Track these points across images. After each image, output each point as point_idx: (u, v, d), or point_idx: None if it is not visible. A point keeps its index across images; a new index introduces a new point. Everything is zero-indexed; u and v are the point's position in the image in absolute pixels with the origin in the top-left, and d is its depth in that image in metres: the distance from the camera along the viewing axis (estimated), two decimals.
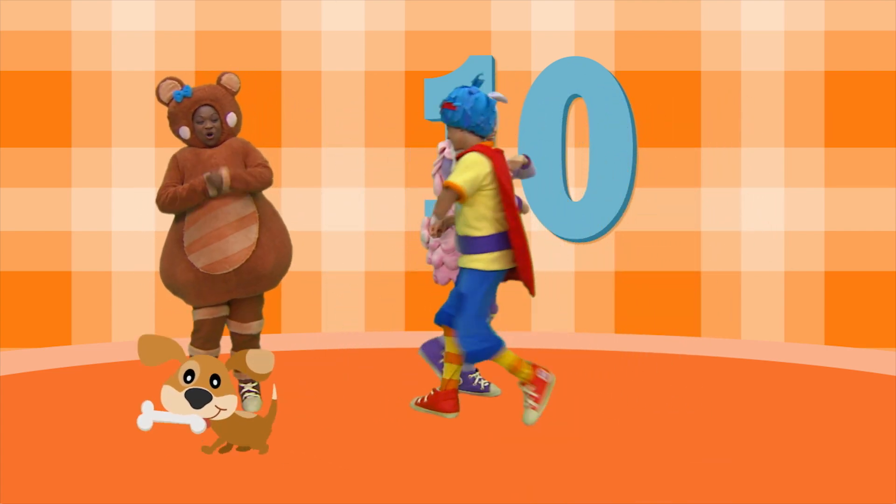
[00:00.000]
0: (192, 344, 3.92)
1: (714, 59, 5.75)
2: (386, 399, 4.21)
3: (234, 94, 3.91)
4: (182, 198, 3.76)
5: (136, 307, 5.69)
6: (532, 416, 3.68)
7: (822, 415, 3.95)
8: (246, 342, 3.97)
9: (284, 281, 5.71)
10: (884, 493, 3.02)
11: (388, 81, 5.85)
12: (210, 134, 3.81)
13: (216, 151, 3.82)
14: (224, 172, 3.72)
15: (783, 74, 5.72)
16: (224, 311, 3.92)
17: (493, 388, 4.20)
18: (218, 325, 3.92)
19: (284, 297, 5.72)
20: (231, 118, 3.87)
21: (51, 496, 3.00)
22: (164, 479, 3.16)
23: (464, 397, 4.16)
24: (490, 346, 3.65)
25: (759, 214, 5.75)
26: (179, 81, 3.83)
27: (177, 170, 3.86)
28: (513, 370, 3.68)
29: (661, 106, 5.75)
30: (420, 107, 5.76)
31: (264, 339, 4.48)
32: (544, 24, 5.81)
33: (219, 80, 3.89)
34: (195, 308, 3.89)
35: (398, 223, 5.84)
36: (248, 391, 4.01)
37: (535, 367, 3.69)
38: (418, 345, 4.25)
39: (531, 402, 3.68)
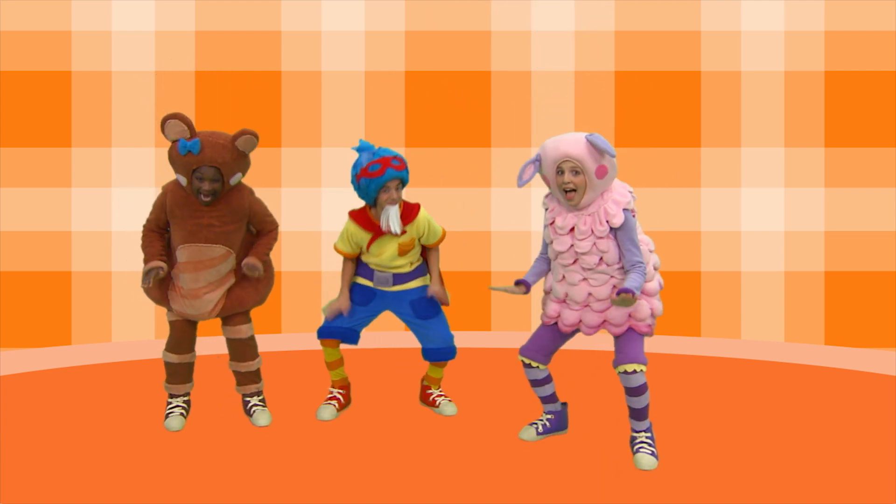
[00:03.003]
0: (165, 348, 3.79)
1: (714, 59, 5.75)
2: (385, 399, 4.20)
3: (245, 153, 3.60)
4: (144, 261, 3.67)
5: (136, 307, 5.68)
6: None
7: (822, 415, 3.95)
8: (240, 346, 3.84)
9: (284, 281, 5.74)
10: (884, 493, 3.02)
11: (388, 81, 5.85)
12: (207, 196, 3.55)
13: (210, 211, 3.59)
14: (259, 266, 3.66)
15: (783, 74, 5.73)
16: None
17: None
18: (189, 328, 3.77)
19: (284, 297, 5.73)
20: (235, 179, 3.61)
21: (51, 496, 3.00)
22: (163, 479, 3.16)
23: (456, 399, 4.16)
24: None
25: (759, 214, 5.75)
26: (189, 126, 3.48)
27: (162, 210, 3.65)
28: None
29: (661, 106, 5.75)
30: (419, 106, 5.77)
31: (265, 340, 4.49)
32: (544, 24, 5.81)
33: (235, 138, 3.53)
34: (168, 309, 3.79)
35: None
36: (255, 405, 3.88)
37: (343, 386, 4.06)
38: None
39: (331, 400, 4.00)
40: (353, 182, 3.72)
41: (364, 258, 3.90)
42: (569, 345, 3.70)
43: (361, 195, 3.73)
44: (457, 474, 3.21)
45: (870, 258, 5.66)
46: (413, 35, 5.80)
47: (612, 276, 3.23)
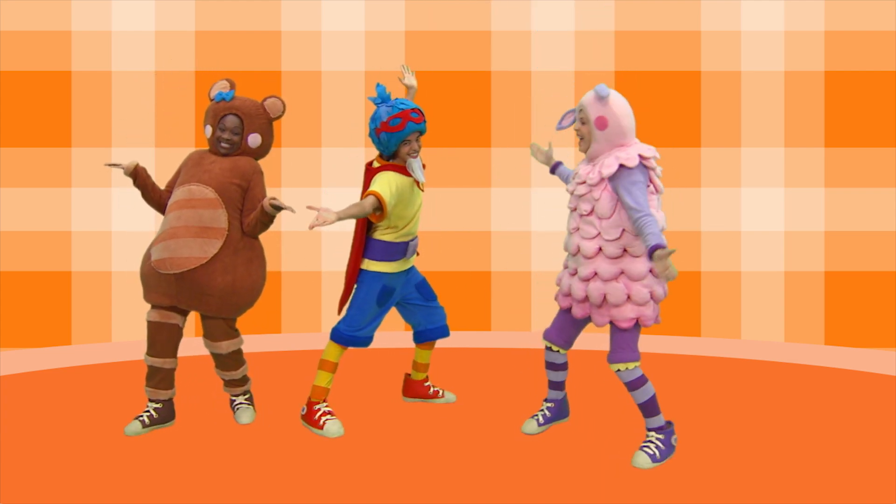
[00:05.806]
0: (146, 352, 3.73)
1: (714, 59, 5.75)
2: (385, 399, 4.21)
3: (271, 119, 3.85)
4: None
5: (136, 307, 5.67)
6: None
7: (822, 415, 3.95)
8: (220, 361, 3.79)
9: (285, 280, 5.74)
10: (884, 493, 3.02)
11: (388, 82, 5.85)
12: (222, 144, 3.75)
13: (219, 161, 3.73)
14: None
15: (783, 74, 5.73)
16: (174, 318, 3.67)
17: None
18: (163, 331, 3.66)
19: (284, 297, 5.73)
20: (254, 139, 3.79)
21: (51, 496, 3.00)
22: (163, 479, 3.16)
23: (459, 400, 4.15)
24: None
25: (759, 214, 5.75)
26: (233, 85, 3.82)
27: (178, 169, 3.84)
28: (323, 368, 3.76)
29: (661, 106, 5.75)
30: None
31: (265, 340, 4.47)
32: (544, 24, 5.81)
33: (264, 99, 3.84)
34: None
35: None
36: (240, 403, 3.91)
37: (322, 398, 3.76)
38: (411, 344, 4.25)
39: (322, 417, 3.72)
40: (371, 135, 3.67)
41: (395, 224, 3.70)
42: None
43: (381, 148, 3.67)
44: (457, 474, 3.21)
45: (870, 258, 5.66)
46: (413, 35, 5.80)
47: (599, 234, 3.25)
